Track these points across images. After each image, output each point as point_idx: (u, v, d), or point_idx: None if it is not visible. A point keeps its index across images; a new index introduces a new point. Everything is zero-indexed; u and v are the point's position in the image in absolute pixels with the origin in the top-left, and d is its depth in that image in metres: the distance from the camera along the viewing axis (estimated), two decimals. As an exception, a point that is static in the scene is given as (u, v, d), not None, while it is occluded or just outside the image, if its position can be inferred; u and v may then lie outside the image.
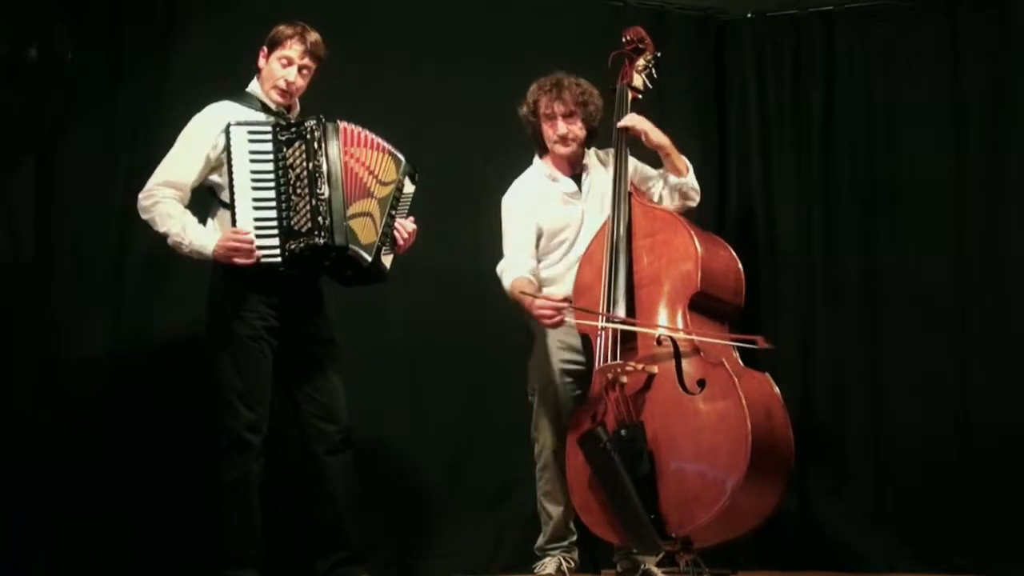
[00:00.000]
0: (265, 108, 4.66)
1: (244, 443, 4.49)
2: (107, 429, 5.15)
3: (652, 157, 5.03)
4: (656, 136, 4.92)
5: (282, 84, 4.65)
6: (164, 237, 4.51)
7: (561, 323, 4.68)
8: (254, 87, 4.71)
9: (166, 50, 5.39)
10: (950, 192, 5.91)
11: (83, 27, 5.16)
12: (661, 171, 5.00)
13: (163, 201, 4.51)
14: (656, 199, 4.99)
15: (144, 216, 4.54)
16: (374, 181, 4.66)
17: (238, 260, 4.42)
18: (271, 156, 4.49)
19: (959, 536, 5.68)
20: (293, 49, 4.65)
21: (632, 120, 4.94)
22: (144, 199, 4.54)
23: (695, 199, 5.00)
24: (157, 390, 5.20)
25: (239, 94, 4.69)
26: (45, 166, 5.13)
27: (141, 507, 5.16)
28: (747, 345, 4.54)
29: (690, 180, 4.96)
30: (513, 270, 4.92)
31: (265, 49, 4.68)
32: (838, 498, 5.93)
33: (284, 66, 4.65)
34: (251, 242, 4.41)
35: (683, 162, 4.95)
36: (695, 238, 4.57)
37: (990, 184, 5.84)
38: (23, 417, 5.05)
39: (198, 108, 4.65)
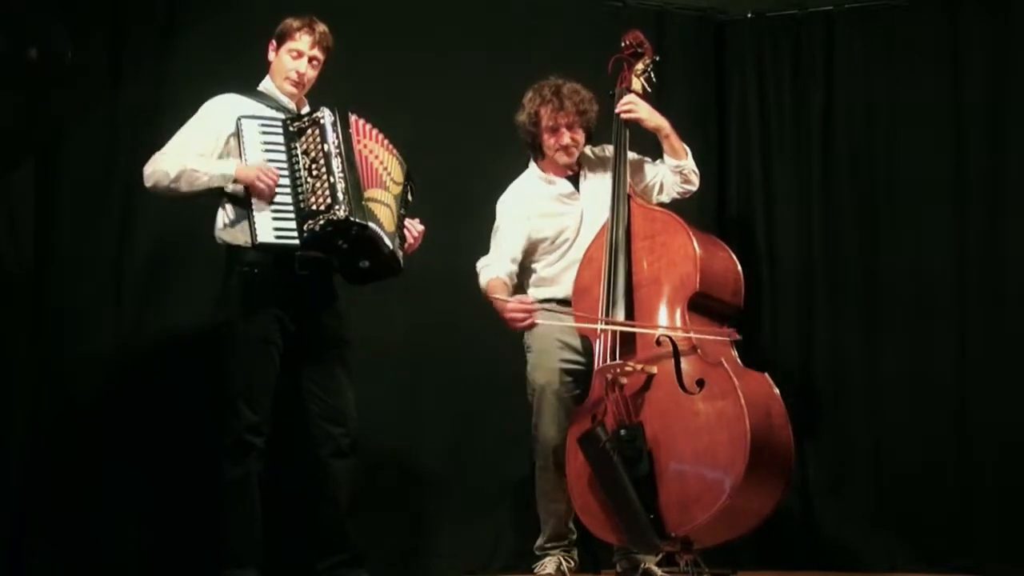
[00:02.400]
0: (278, 106, 4.65)
1: (246, 444, 4.48)
2: (107, 429, 5.15)
3: (653, 146, 5.04)
4: (654, 119, 4.93)
5: (294, 76, 4.66)
6: (175, 183, 4.44)
7: (532, 325, 4.73)
8: (267, 85, 4.71)
9: (166, 50, 5.39)
10: (950, 192, 5.92)
11: (83, 27, 5.15)
12: (660, 161, 5.02)
13: (168, 156, 4.48)
14: (657, 188, 5.01)
15: (149, 182, 4.48)
16: (387, 175, 4.67)
17: (261, 183, 4.38)
18: (283, 147, 4.51)
19: (959, 536, 5.69)
20: (303, 41, 4.66)
21: (629, 100, 4.94)
22: (147, 166, 4.49)
23: (695, 182, 5.01)
24: (157, 390, 5.20)
25: (251, 91, 4.69)
26: (45, 166, 5.13)
27: (142, 507, 5.16)
28: (718, 338, 4.54)
29: (689, 163, 4.98)
30: (490, 269, 4.96)
31: (274, 42, 4.69)
32: (838, 498, 5.94)
33: (295, 58, 4.66)
34: (275, 178, 4.41)
35: (682, 145, 4.97)
36: (694, 239, 4.57)
37: (990, 184, 5.85)
38: (24, 417, 5.05)
39: (198, 108, 4.65)
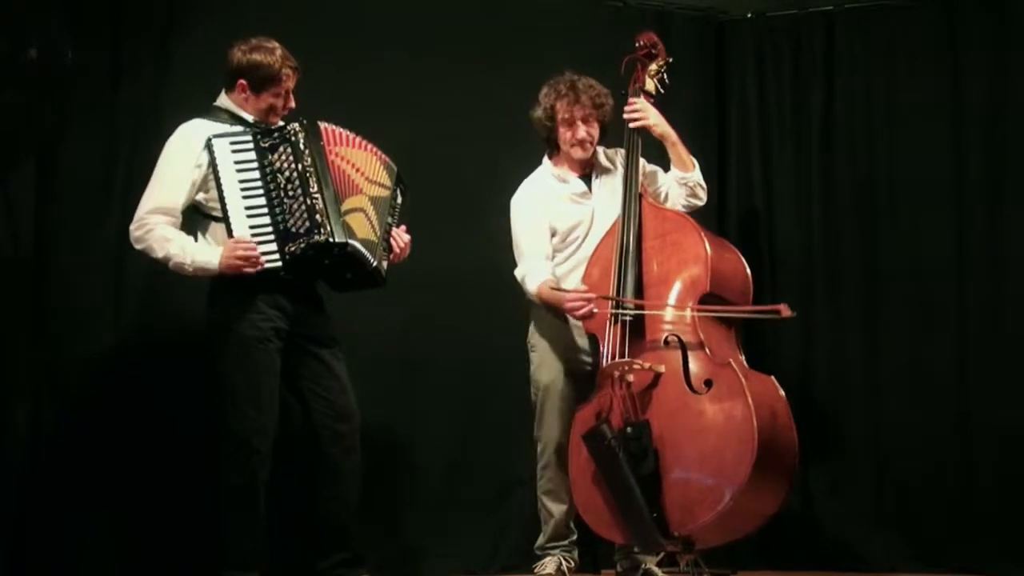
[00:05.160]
0: (241, 122, 4.60)
1: (252, 448, 4.47)
2: (107, 429, 5.13)
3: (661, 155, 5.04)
4: (661, 126, 4.94)
5: (285, 112, 4.65)
6: (164, 263, 4.47)
7: (591, 314, 4.68)
8: (225, 103, 4.64)
9: (166, 50, 5.37)
10: (950, 192, 5.91)
11: (83, 27, 5.14)
12: (670, 171, 5.02)
13: (156, 227, 4.46)
14: (663, 197, 5.01)
15: (139, 246, 4.50)
16: (362, 178, 4.65)
17: (248, 268, 4.39)
18: (256, 164, 4.48)
19: (959, 536, 5.69)
20: (291, 81, 4.62)
21: (638, 107, 4.95)
22: (136, 229, 4.49)
23: (702, 197, 5.02)
24: (157, 390, 5.18)
25: (209, 110, 4.63)
26: (45, 166, 5.11)
27: (142, 507, 5.14)
28: (770, 317, 4.55)
29: (696, 175, 4.98)
30: (535, 275, 4.95)
31: (244, 82, 4.58)
32: (838, 498, 5.93)
33: (286, 97, 4.63)
34: (254, 248, 4.40)
35: (689, 157, 4.98)
36: (705, 240, 4.59)
37: (990, 184, 5.84)
38: (24, 417, 5.03)
39: (199, 108, 4.64)
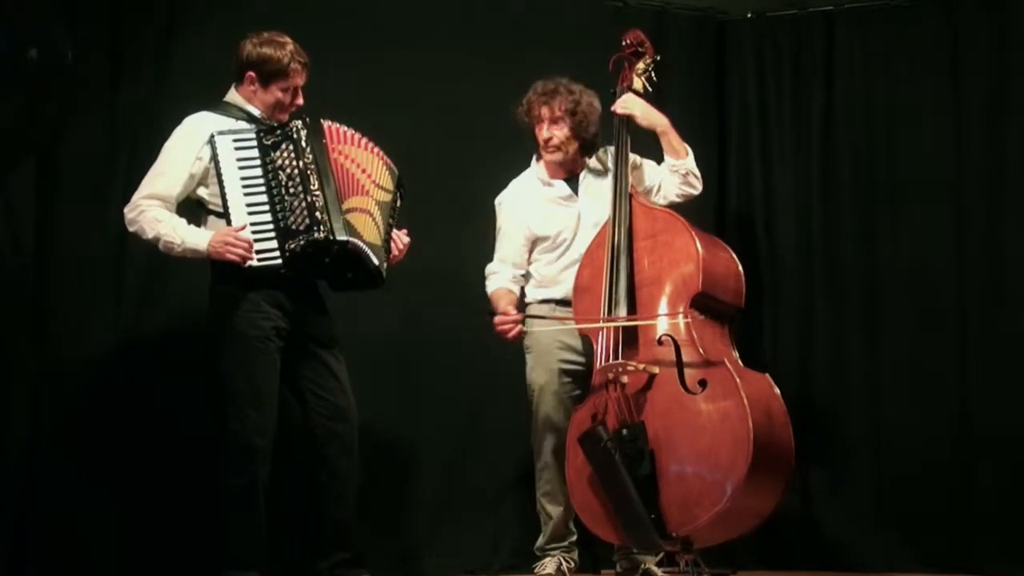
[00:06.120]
0: (248, 117, 4.62)
1: (252, 448, 4.47)
2: (107, 429, 5.14)
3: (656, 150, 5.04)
4: (648, 118, 4.93)
5: (292, 109, 4.65)
6: (155, 243, 4.49)
7: (519, 335, 4.85)
8: (234, 97, 4.66)
9: (166, 50, 5.38)
10: (950, 192, 5.91)
11: (83, 27, 5.15)
12: (663, 162, 5.01)
13: (148, 209, 4.48)
14: (656, 189, 5.00)
15: (132, 228, 4.53)
16: (368, 180, 4.64)
17: (232, 255, 4.39)
18: (258, 161, 4.48)
19: (959, 536, 5.69)
20: (300, 77, 4.63)
21: (625, 101, 4.95)
22: (129, 212, 4.52)
23: (696, 185, 5.00)
24: (157, 390, 5.19)
25: (217, 104, 4.65)
26: (45, 166, 5.12)
27: (142, 507, 5.15)
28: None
29: (689, 163, 4.97)
30: (496, 278, 5.05)
31: (253, 74, 4.60)
32: (838, 498, 5.93)
33: (294, 93, 4.64)
34: (248, 240, 4.40)
35: (682, 144, 4.96)
36: (696, 239, 4.58)
37: (990, 184, 5.84)
38: (23, 417, 5.04)
39: (198, 108, 4.64)
